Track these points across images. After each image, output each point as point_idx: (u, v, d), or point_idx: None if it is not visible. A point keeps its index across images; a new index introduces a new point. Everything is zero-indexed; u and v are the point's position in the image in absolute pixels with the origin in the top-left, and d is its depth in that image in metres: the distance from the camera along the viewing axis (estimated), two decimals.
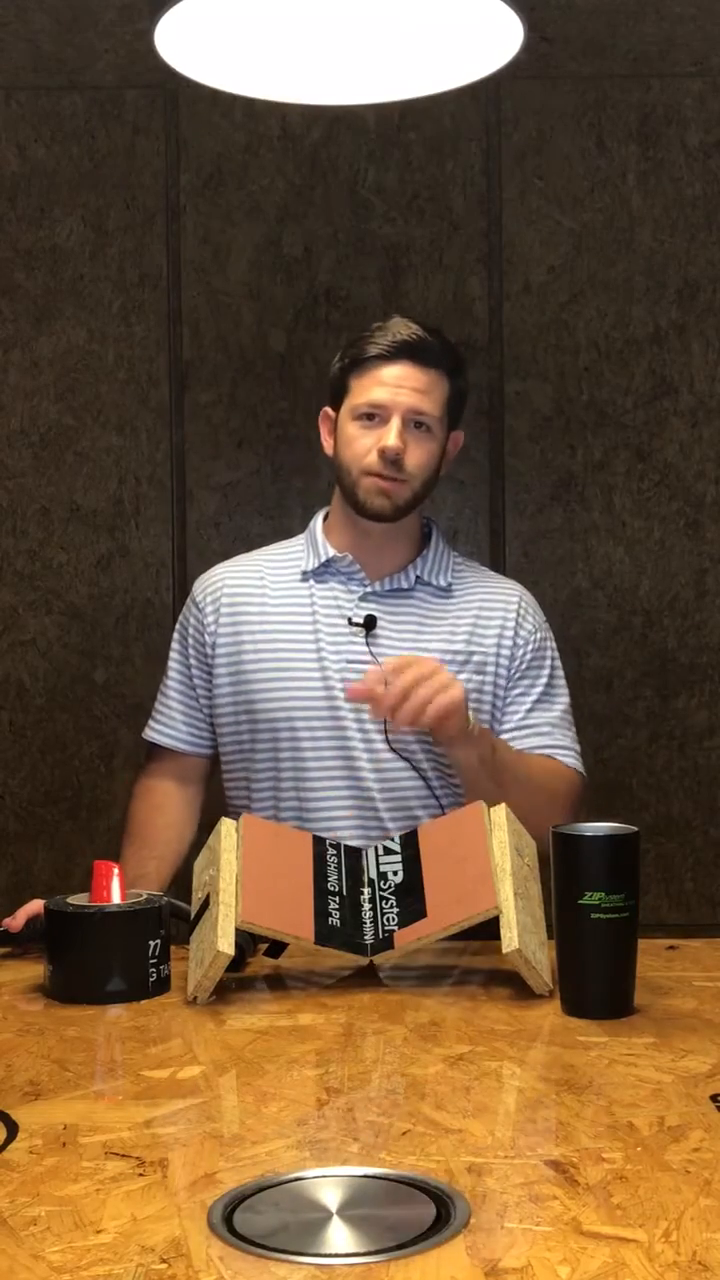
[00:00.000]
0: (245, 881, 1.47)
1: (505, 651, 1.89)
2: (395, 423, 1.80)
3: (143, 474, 2.95)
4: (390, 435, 1.79)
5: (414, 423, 1.81)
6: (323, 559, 1.89)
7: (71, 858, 2.95)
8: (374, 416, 1.81)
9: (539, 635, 1.93)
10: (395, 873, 1.56)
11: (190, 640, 1.94)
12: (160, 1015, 1.37)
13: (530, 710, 1.89)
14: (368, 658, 1.82)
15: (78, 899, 1.49)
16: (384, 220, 2.95)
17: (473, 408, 2.95)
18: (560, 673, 1.94)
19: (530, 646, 1.91)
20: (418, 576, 1.89)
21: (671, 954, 1.62)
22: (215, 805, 1.96)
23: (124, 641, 2.94)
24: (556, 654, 1.95)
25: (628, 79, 2.93)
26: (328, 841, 1.60)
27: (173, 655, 1.97)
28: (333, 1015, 1.37)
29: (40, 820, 2.96)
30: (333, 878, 1.55)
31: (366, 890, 1.55)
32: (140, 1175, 0.95)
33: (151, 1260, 0.82)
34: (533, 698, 1.90)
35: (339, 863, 1.57)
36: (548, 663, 1.93)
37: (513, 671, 1.90)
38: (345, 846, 1.61)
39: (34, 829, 2.96)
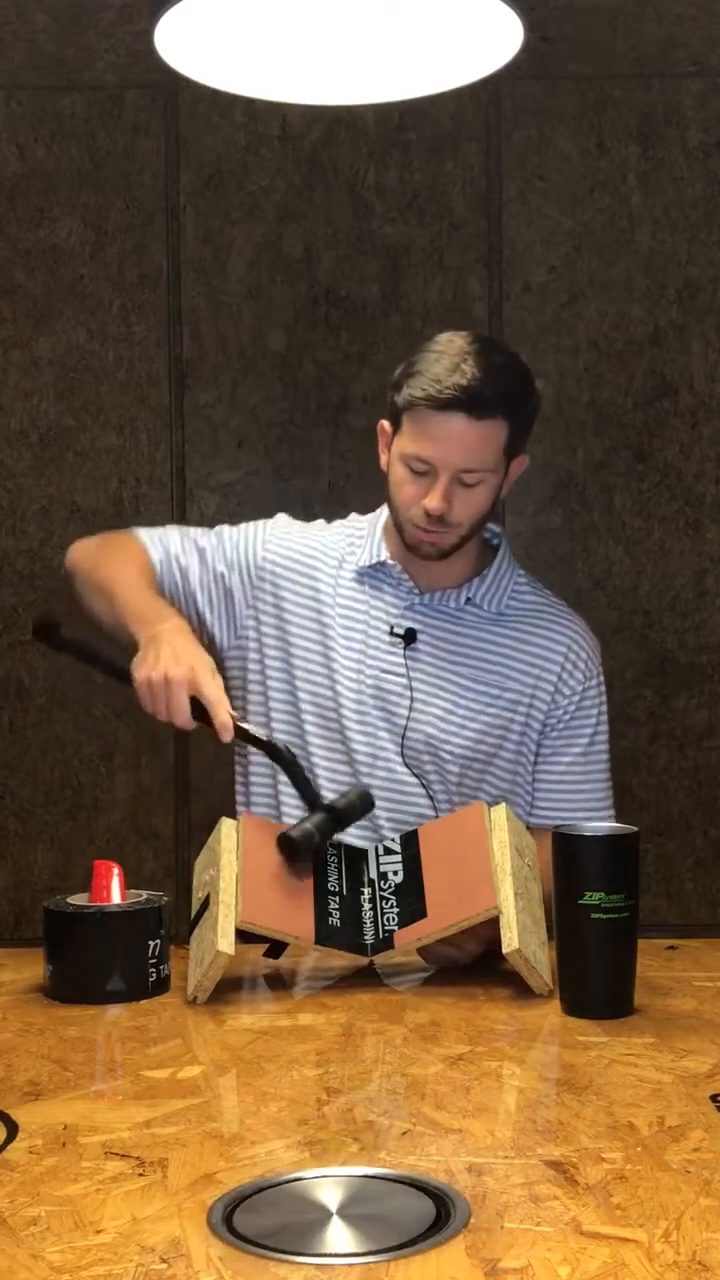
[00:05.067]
0: (245, 881, 1.47)
1: (544, 698, 1.80)
2: (442, 482, 1.70)
3: (143, 474, 2.95)
4: (435, 497, 1.70)
5: (462, 479, 1.71)
6: (375, 560, 1.83)
7: (71, 858, 2.95)
8: (423, 469, 1.72)
9: (585, 688, 1.83)
10: (395, 873, 1.56)
11: (236, 557, 1.84)
12: (160, 1015, 1.37)
13: (568, 768, 1.82)
14: (402, 670, 1.79)
15: (78, 899, 1.49)
16: (384, 220, 2.95)
17: None
18: (604, 725, 1.85)
19: (575, 700, 1.82)
20: (469, 598, 1.82)
21: (671, 954, 1.62)
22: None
23: None
24: (604, 703, 1.85)
25: (628, 79, 2.93)
26: (329, 842, 1.60)
27: (207, 539, 1.87)
28: (333, 1015, 1.37)
29: (40, 820, 2.96)
30: (333, 878, 1.55)
31: (366, 890, 1.55)
32: (140, 1175, 0.95)
33: (151, 1260, 0.82)
34: (572, 754, 1.82)
35: (339, 863, 1.57)
36: (593, 718, 1.84)
37: (552, 720, 1.81)
38: (345, 846, 1.61)
39: (34, 829, 2.96)
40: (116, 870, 1.50)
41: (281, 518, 1.93)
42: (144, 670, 1.57)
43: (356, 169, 2.95)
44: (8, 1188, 0.93)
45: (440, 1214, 0.88)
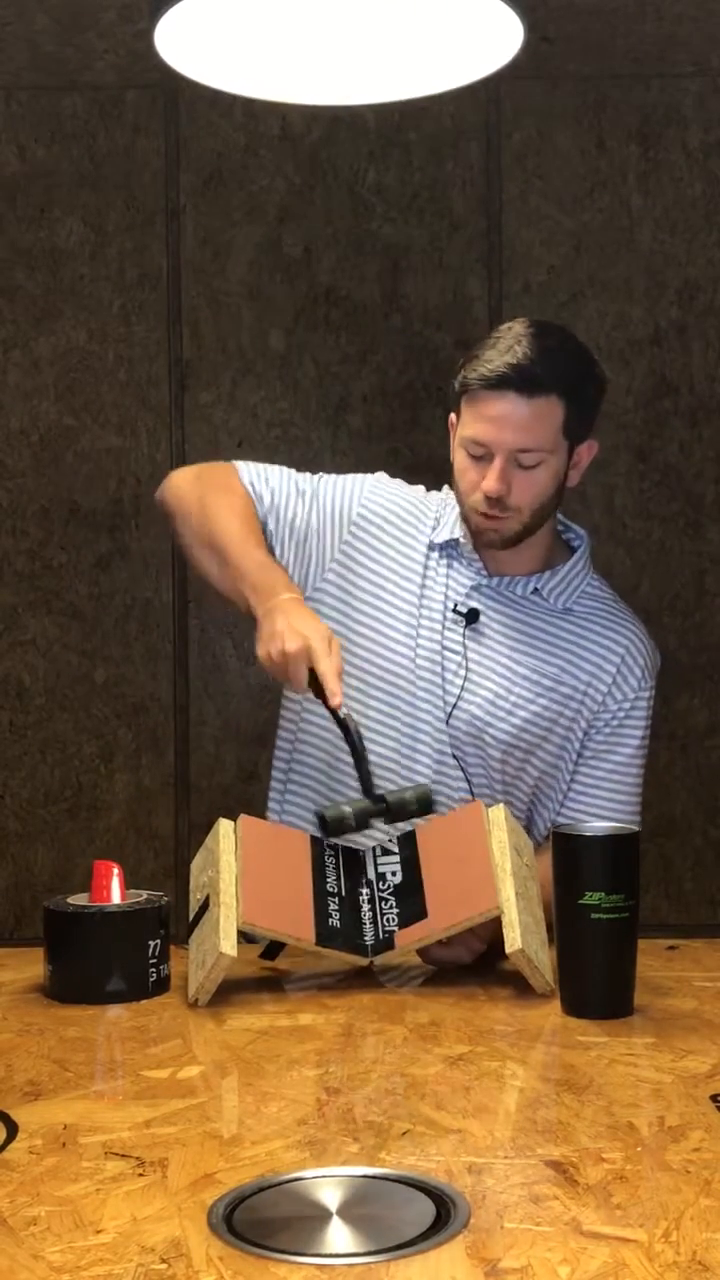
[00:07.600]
0: (245, 882, 1.47)
1: (596, 698, 1.79)
2: (497, 464, 1.70)
3: (143, 474, 2.95)
4: (491, 478, 1.70)
5: (519, 460, 1.71)
6: (450, 536, 1.82)
7: (71, 858, 2.95)
8: (480, 453, 1.72)
9: (638, 697, 1.81)
10: (394, 873, 1.56)
11: (333, 508, 1.84)
12: (160, 1015, 1.37)
13: (608, 774, 1.81)
14: (459, 648, 1.77)
15: (78, 899, 1.49)
16: (384, 220, 2.95)
17: None
18: (646, 736, 1.83)
19: (625, 707, 1.80)
20: (536, 589, 1.81)
21: (671, 954, 1.62)
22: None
23: (124, 641, 2.94)
24: (650, 711, 1.83)
25: (628, 79, 2.93)
26: (326, 843, 1.60)
27: (310, 484, 1.86)
28: (333, 1015, 1.37)
29: (40, 820, 2.96)
30: (331, 878, 1.55)
31: (365, 891, 1.55)
32: (140, 1175, 0.95)
33: (151, 1260, 0.82)
34: (613, 761, 1.81)
35: (337, 864, 1.57)
36: (640, 728, 1.82)
37: (599, 722, 1.80)
38: (343, 848, 1.61)
39: (34, 829, 2.96)
40: (116, 870, 1.50)
41: (383, 475, 1.91)
42: (264, 647, 1.64)
43: (356, 169, 2.95)
44: (8, 1188, 0.93)
45: (440, 1214, 0.88)
